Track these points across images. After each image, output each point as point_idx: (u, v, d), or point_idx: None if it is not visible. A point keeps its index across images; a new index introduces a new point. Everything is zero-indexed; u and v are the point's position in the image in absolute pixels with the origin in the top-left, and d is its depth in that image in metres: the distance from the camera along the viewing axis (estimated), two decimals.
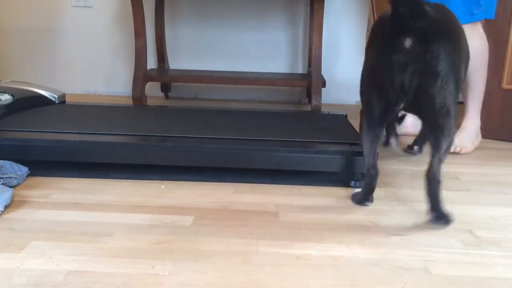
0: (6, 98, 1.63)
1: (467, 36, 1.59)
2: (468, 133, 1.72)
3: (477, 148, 1.78)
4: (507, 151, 1.76)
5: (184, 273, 0.86)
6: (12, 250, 0.92)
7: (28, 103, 1.71)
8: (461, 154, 1.68)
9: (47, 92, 1.82)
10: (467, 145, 1.70)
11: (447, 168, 1.53)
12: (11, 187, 1.20)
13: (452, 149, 1.63)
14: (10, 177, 1.24)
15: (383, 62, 1.05)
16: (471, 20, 1.54)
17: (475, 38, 1.58)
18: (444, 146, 1.10)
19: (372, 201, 1.21)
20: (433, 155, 1.12)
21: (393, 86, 1.05)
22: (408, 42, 1.01)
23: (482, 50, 1.63)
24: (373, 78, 1.10)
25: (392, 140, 1.65)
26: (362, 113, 1.20)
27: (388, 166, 1.52)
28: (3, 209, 1.08)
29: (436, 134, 1.09)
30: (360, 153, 1.30)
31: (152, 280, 0.84)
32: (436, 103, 1.04)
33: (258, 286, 0.83)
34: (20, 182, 1.26)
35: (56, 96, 1.82)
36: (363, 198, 1.21)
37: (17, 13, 2.61)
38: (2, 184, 1.19)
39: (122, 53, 2.64)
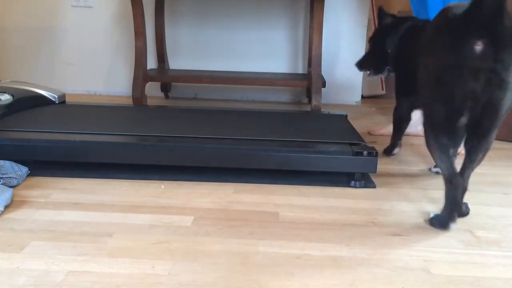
0: (6, 98, 1.63)
1: None
2: None
3: None
4: (507, 151, 1.76)
5: (184, 273, 0.86)
6: (12, 250, 0.92)
7: (28, 103, 1.71)
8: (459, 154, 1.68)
9: (47, 92, 1.82)
10: None
11: None
12: (11, 187, 1.20)
13: None
14: (10, 177, 1.24)
15: (452, 67, 0.95)
16: None
17: None
18: (482, 157, 1.05)
19: (456, 221, 1.05)
20: (468, 165, 1.06)
21: (464, 95, 0.95)
22: (479, 46, 0.91)
23: None
24: (438, 85, 0.99)
25: (396, 150, 1.64)
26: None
27: (388, 166, 1.52)
28: (3, 209, 1.08)
29: (479, 145, 1.02)
30: (360, 153, 1.29)
31: (152, 280, 0.84)
32: (498, 116, 0.96)
33: (258, 286, 0.83)
34: (20, 182, 1.26)
35: (56, 96, 1.82)
36: (448, 218, 1.05)
37: (17, 13, 2.61)
38: (2, 184, 1.19)
39: (122, 53, 2.64)
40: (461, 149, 1.13)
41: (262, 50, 2.60)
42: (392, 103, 1.61)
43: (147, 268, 0.88)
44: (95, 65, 2.67)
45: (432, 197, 1.26)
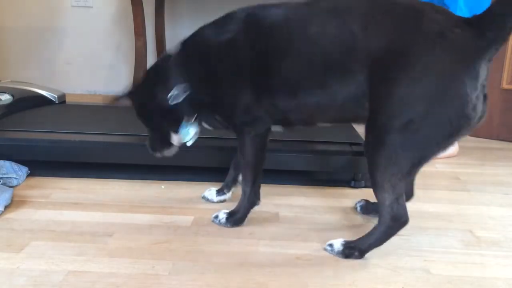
0: (6, 98, 1.63)
1: None
2: None
3: (477, 148, 1.77)
4: (507, 151, 1.76)
5: (184, 273, 0.86)
6: (12, 250, 0.92)
7: (28, 103, 1.71)
8: None
9: (47, 92, 1.82)
10: None
11: (447, 168, 1.53)
12: (11, 187, 1.20)
13: None
14: (10, 177, 1.24)
15: None
16: None
17: None
18: None
19: None
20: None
21: None
22: None
23: None
24: None
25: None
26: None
27: None
28: (3, 209, 1.08)
29: None
30: (360, 153, 1.29)
31: (152, 280, 0.84)
32: None
33: (258, 286, 0.83)
34: (20, 182, 1.26)
35: (56, 96, 1.82)
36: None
37: (17, 13, 2.61)
38: (2, 184, 1.19)
39: (122, 53, 2.64)
40: None
41: None
42: None
43: (147, 268, 0.87)
44: (95, 65, 2.66)
45: (432, 196, 1.26)
